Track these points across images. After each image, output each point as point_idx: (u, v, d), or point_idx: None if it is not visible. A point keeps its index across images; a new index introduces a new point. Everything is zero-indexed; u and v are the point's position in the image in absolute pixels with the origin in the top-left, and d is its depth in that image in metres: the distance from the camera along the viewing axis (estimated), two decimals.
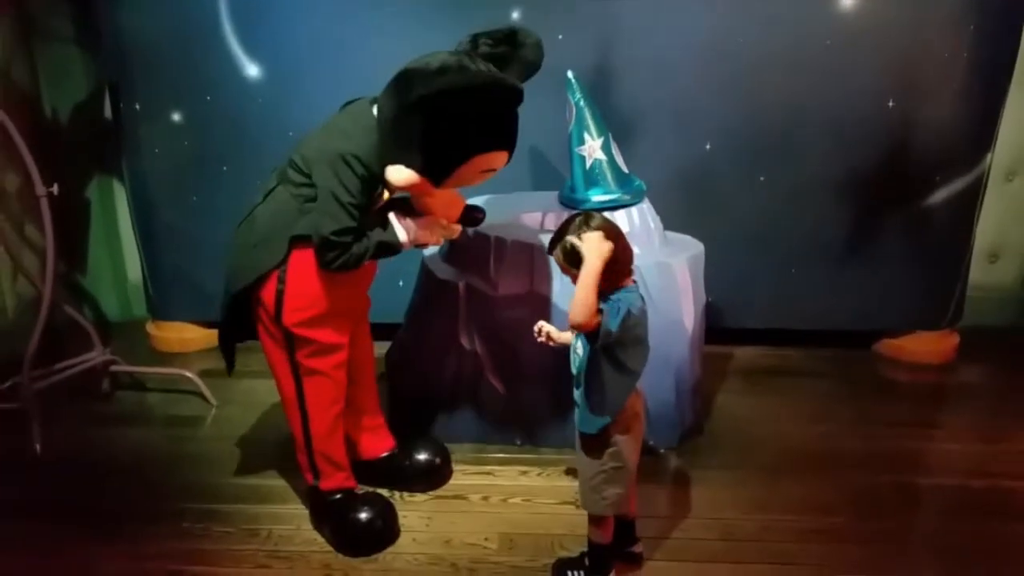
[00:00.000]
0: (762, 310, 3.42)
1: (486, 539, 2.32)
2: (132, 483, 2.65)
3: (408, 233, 2.17)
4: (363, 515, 2.28)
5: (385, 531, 2.31)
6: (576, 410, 2.00)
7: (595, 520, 2.07)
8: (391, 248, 2.15)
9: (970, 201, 3.27)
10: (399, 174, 2.04)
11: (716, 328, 3.12)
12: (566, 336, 2.05)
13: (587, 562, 2.12)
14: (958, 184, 3.21)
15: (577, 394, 1.99)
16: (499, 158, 2.07)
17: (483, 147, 2.03)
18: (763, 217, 3.26)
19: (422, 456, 2.56)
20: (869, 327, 3.51)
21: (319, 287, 2.13)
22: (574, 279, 1.85)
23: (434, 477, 2.58)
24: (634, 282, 1.94)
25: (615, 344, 1.84)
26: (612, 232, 1.86)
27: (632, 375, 1.91)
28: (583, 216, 1.91)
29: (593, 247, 1.83)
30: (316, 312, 2.15)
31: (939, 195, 3.22)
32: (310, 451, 2.30)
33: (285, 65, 3.19)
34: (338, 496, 2.33)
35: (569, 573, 2.14)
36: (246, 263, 2.18)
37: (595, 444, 1.98)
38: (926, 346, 3.46)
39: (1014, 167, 3.56)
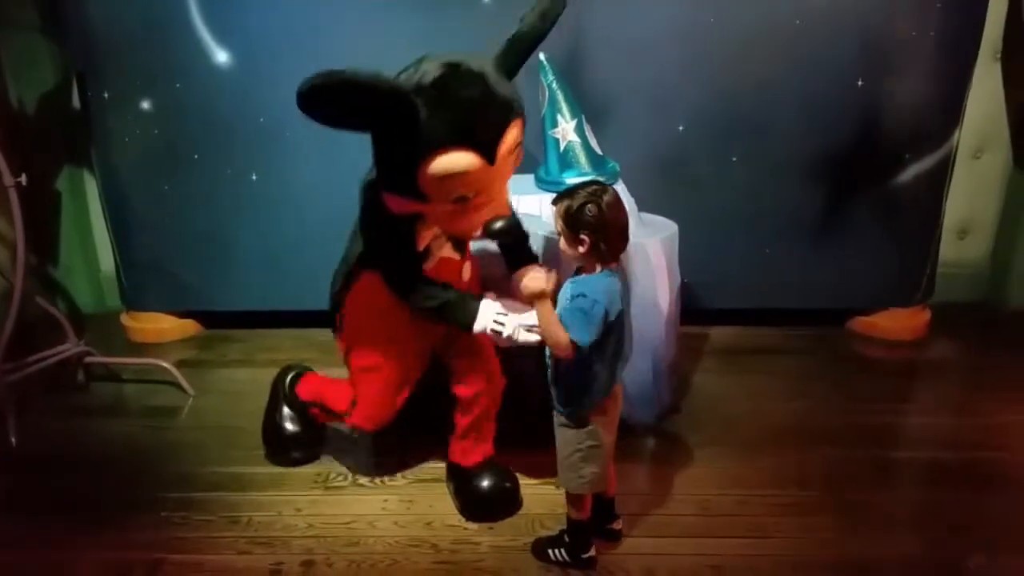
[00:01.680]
0: (737, 290, 3.45)
1: (467, 520, 2.34)
2: (110, 474, 2.64)
3: (495, 324, 2.07)
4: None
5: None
6: (553, 390, 2.02)
7: (572, 498, 2.10)
8: (458, 321, 2.12)
9: (939, 178, 3.32)
10: (388, 199, 2.02)
11: (692, 309, 3.14)
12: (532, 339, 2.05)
13: (567, 539, 2.15)
14: (927, 162, 3.25)
15: (551, 378, 2.02)
16: (458, 159, 1.88)
17: (424, 151, 1.88)
18: (736, 197, 3.29)
19: (486, 483, 2.43)
20: (842, 305, 3.55)
21: (370, 316, 2.25)
22: (559, 237, 1.91)
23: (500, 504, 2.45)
24: (617, 264, 1.95)
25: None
26: (615, 212, 1.88)
27: (608, 366, 1.95)
28: (598, 187, 1.90)
29: (534, 287, 1.90)
30: (364, 339, 2.30)
31: (908, 173, 3.26)
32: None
33: (255, 51, 3.16)
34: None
35: (550, 552, 2.16)
36: (334, 277, 2.34)
37: (572, 424, 2.00)
38: (898, 323, 3.51)
39: (981, 144, 3.61)
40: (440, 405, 2.48)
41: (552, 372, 2.00)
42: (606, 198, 1.88)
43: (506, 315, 2.08)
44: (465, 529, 2.31)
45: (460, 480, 2.44)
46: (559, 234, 1.94)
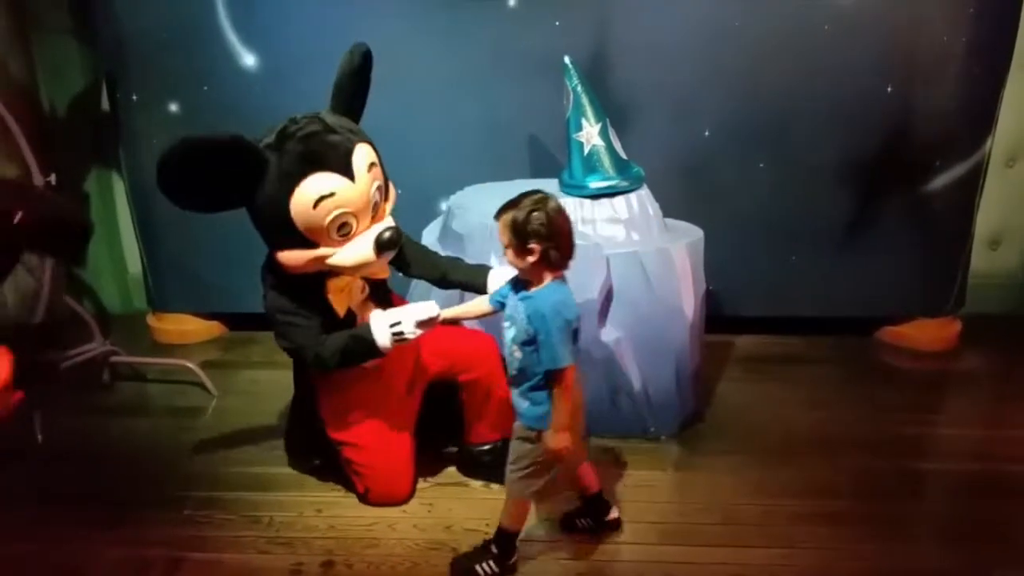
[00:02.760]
0: (762, 298, 3.42)
1: (487, 524, 2.31)
2: (134, 472, 2.66)
3: (394, 331, 2.14)
4: None
5: None
6: (521, 404, 1.98)
7: (515, 508, 2.08)
8: (365, 354, 2.19)
9: (970, 187, 3.26)
10: (283, 259, 2.15)
11: (716, 316, 3.12)
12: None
13: (494, 549, 2.11)
14: (958, 170, 3.21)
15: (515, 392, 1.99)
16: (319, 181, 2.05)
17: (286, 188, 2.05)
18: (763, 204, 3.26)
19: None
20: (870, 314, 3.51)
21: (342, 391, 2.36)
22: (507, 250, 1.88)
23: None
24: (562, 276, 1.92)
25: None
26: (562, 219, 1.86)
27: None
28: (541, 196, 1.88)
29: (559, 442, 1.92)
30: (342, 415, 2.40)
31: (939, 181, 3.21)
32: None
33: (281, 54, 3.19)
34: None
35: (478, 568, 2.10)
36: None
37: (533, 436, 1.98)
38: (928, 333, 3.46)
39: (1014, 152, 3.55)
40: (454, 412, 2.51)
41: (521, 386, 1.96)
42: (551, 205, 1.86)
43: (398, 321, 2.14)
44: (485, 534, 2.28)
45: (479, 453, 2.48)
46: (505, 247, 1.90)
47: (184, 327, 3.66)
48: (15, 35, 3.49)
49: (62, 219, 1.04)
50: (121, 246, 3.92)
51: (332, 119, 2.16)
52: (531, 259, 1.86)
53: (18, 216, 0.94)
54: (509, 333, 1.95)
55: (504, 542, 2.11)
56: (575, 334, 1.90)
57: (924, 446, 2.76)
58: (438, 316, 2.15)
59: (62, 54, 3.59)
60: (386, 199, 2.26)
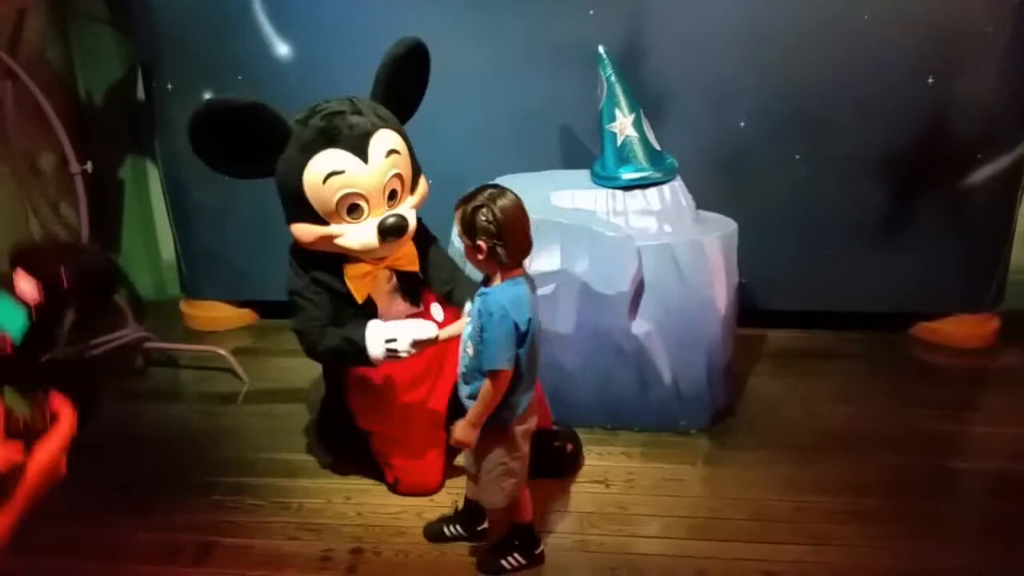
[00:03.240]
0: (796, 291, 3.37)
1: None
2: (165, 457, 2.69)
3: (388, 348, 2.13)
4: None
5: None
6: (467, 402, 1.95)
7: (510, 505, 2.06)
8: (356, 361, 2.20)
9: (1012, 180, 3.19)
10: (295, 232, 2.21)
11: (749, 310, 3.08)
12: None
13: (517, 542, 2.10)
14: (1000, 163, 3.13)
15: (465, 391, 1.95)
16: (332, 157, 2.10)
17: (302, 159, 2.11)
18: (798, 196, 3.21)
19: (554, 443, 2.49)
20: (906, 310, 3.44)
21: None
22: (464, 247, 1.85)
23: (565, 464, 2.52)
24: (523, 273, 1.88)
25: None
26: (512, 216, 1.80)
27: (527, 376, 1.90)
28: (493, 192, 1.83)
29: (464, 435, 1.90)
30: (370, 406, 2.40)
31: (980, 174, 3.14)
32: None
33: (316, 44, 3.19)
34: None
35: (504, 562, 2.09)
36: None
37: (494, 439, 1.95)
38: (965, 329, 3.39)
39: None
40: None
41: (471, 385, 1.93)
42: (501, 202, 1.80)
43: (395, 338, 2.12)
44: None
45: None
46: (463, 245, 1.87)
47: (216, 314, 3.69)
48: (54, 24, 3.54)
49: (97, 272, 1.05)
50: (155, 233, 3.96)
51: (363, 103, 2.20)
52: (479, 256, 1.83)
53: (65, 280, 0.96)
54: (466, 330, 1.93)
55: (522, 535, 2.10)
56: (523, 339, 1.83)
57: (958, 444, 2.72)
58: (436, 338, 2.13)
59: (99, 43, 3.63)
60: (412, 191, 2.26)
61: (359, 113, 2.15)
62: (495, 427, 1.93)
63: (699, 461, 2.60)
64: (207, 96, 3.28)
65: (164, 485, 2.52)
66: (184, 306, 3.76)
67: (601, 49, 2.64)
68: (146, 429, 2.88)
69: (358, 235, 2.17)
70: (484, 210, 1.79)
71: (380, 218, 2.16)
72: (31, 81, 2.78)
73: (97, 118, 3.69)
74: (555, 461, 2.49)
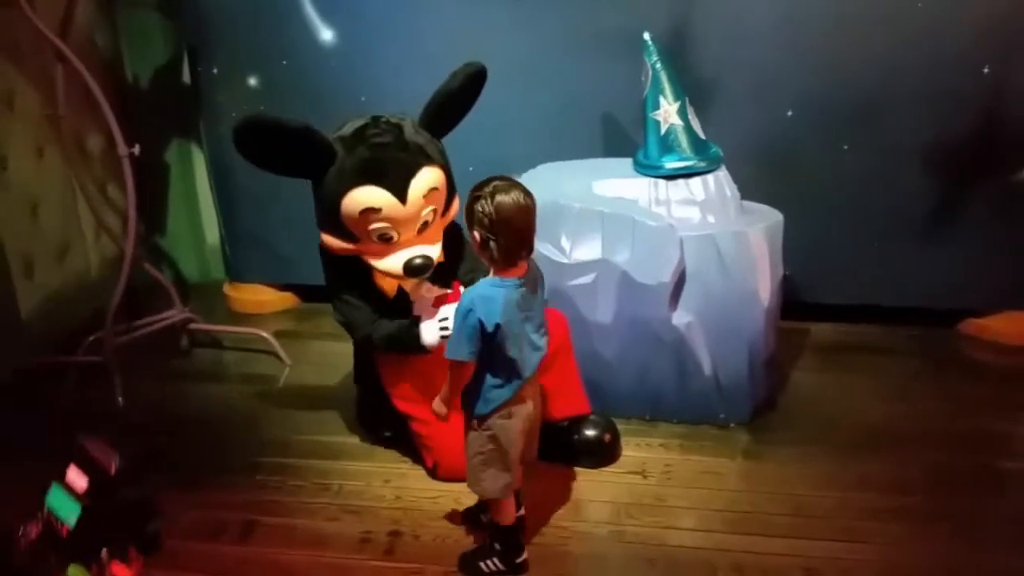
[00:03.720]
0: (841, 285, 3.32)
1: (555, 508, 2.32)
2: (209, 436, 2.74)
3: (443, 332, 2.17)
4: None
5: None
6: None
7: (493, 504, 2.04)
8: (408, 347, 2.25)
9: None
10: (324, 240, 2.27)
11: (793, 302, 3.04)
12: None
13: (497, 547, 2.07)
14: None
15: None
16: (370, 194, 2.13)
17: (342, 188, 2.15)
18: (846, 188, 3.15)
19: (591, 432, 2.50)
20: (954, 305, 3.37)
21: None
22: (471, 237, 1.85)
23: (602, 454, 2.52)
24: (520, 275, 1.86)
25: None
26: (511, 212, 1.77)
27: (503, 374, 1.89)
28: (500, 184, 1.81)
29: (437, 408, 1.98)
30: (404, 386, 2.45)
31: None
32: None
33: (360, 30, 3.20)
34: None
35: (482, 565, 2.06)
36: None
37: (471, 427, 1.97)
38: (1014, 326, 3.30)
39: None
40: None
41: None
42: (500, 197, 1.77)
43: (447, 317, 2.16)
44: (550, 513, 2.29)
45: (558, 433, 2.44)
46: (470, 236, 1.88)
47: (259, 297, 3.74)
48: (102, 8, 3.59)
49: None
50: (200, 216, 4.01)
51: (411, 133, 2.21)
52: (475, 246, 1.84)
53: (113, 467, 1.02)
54: None
55: (503, 538, 2.06)
56: (490, 338, 1.82)
57: (1004, 443, 2.65)
58: None
59: (146, 27, 3.68)
60: (444, 216, 2.29)
61: (405, 148, 2.17)
62: (471, 416, 1.95)
63: (738, 455, 2.58)
64: (252, 81, 3.32)
65: (208, 464, 2.56)
66: (228, 289, 3.81)
67: (647, 36, 2.61)
68: (190, 409, 2.94)
69: (385, 264, 2.23)
70: (482, 202, 1.79)
71: (407, 256, 2.21)
72: (81, 64, 2.83)
73: (144, 101, 3.75)
74: (592, 451, 2.49)
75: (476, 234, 1.81)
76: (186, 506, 2.34)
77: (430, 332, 2.20)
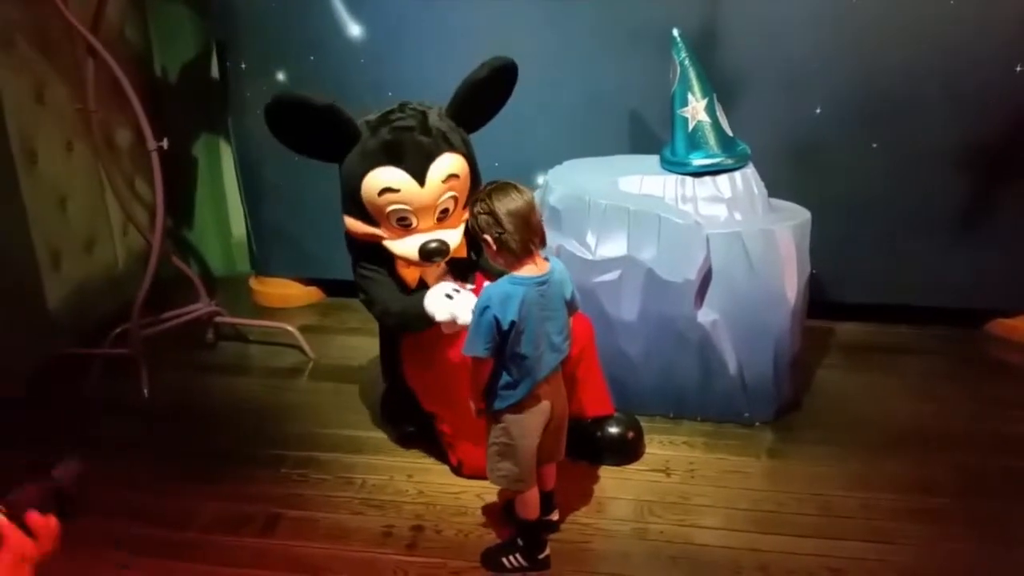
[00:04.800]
0: (868, 284, 3.28)
1: (579, 505, 2.32)
2: (233, 429, 2.76)
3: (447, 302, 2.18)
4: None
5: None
6: None
7: (520, 499, 2.05)
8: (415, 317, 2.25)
9: None
10: (347, 223, 2.31)
11: (819, 301, 3.02)
12: None
13: (520, 542, 2.07)
14: None
15: None
16: (390, 174, 2.17)
17: (364, 168, 2.20)
18: (874, 186, 3.11)
19: (614, 429, 2.49)
20: (982, 305, 3.33)
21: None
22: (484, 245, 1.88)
23: (626, 451, 2.52)
24: (540, 274, 1.87)
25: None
26: (508, 198, 1.82)
27: (517, 371, 1.89)
28: (493, 185, 1.86)
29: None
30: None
31: None
32: None
33: (387, 25, 3.20)
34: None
35: (505, 560, 2.07)
36: None
37: (490, 419, 1.98)
38: None
39: None
40: None
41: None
42: (497, 194, 1.82)
43: (458, 291, 2.22)
44: (574, 510, 2.28)
45: (581, 431, 2.42)
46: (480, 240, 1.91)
47: (284, 291, 3.76)
48: (133, 3, 3.62)
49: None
50: (226, 211, 4.03)
51: (435, 119, 2.25)
52: (493, 251, 1.86)
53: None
54: None
55: (527, 534, 2.07)
56: (506, 335, 1.83)
57: None
58: None
59: (176, 22, 3.70)
60: (465, 207, 2.29)
61: (427, 132, 2.21)
62: (488, 410, 1.97)
63: (763, 454, 2.56)
64: (280, 76, 3.34)
65: (232, 456, 2.58)
66: (253, 282, 3.84)
67: (675, 32, 2.60)
68: (216, 401, 2.96)
69: (401, 246, 2.26)
70: (481, 203, 1.84)
71: (423, 239, 2.22)
72: (111, 58, 2.85)
73: (173, 96, 3.77)
74: (616, 448, 2.48)
75: (487, 237, 1.84)
76: (209, 498, 2.36)
77: (433, 301, 2.20)
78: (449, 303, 2.18)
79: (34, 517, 1.02)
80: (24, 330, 2.99)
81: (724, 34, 3.01)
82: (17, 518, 1.01)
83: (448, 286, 2.24)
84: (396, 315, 2.31)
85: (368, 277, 2.34)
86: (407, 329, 2.34)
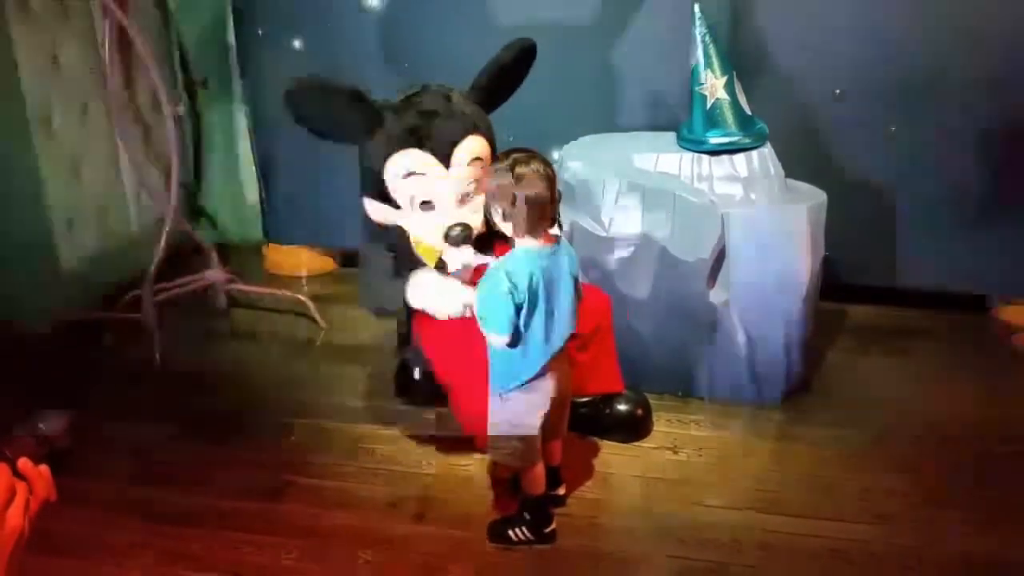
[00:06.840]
0: (883, 267, 3.25)
1: (586, 481, 2.33)
2: (244, 396, 2.78)
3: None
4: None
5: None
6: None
7: (525, 474, 2.05)
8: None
9: None
10: (366, 205, 2.31)
11: (831, 283, 2.99)
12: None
13: (527, 516, 2.07)
14: None
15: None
16: (414, 157, 2.17)
17: (387, 151, 2.18)
18: (891, 169, 3.08)
19: (623, 406, 2.50)
20: (998, 291, 3.30)
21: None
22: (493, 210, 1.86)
23: (634, 428, 2.52)
24: (554, 240, 1.86)
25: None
26: (531, 179, 1.77)
27: (531, 346, 1.87)
28: (523, 154, 1.81)
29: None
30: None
31: None
32: None
33: None
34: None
35: (511, 533, 2.07)
36: None
37: (498, 396, 1.96)
38: None
39: None
40: None
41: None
42: (521, 168, 1.77)
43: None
44: (583, 488, 2.29)
45: (576, 404, 2.40)
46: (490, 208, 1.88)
47: (297, 259, 3.76)
48: None
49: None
50: (239, 177, 4.03)
51: (459, 102, 2.24)
52: (499, 218, 1.84)
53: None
54: None
55: (532, 508, 2.08)
56: (518, 308, 1.81)
57: None
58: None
59: None
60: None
61: (452, 116, 2.20)
62: (495, 386, 1.95)
63: (770, 434, 2.57)
64: (296, 43, 3.32)
65: (242, 424, 2.61)
66: (266, 250, 3.84)
67: (696, 7, 2.56)
68: (227, 368, 2.98)
69: (423, 230, 2.25)
70: (503, 174, 1.79)
71: (447, 225, 2.20)
72: (128, 22, 2.84)
73: (189, 61, 3.76)
74: (623, 425, 2.49)
75: (499, 207, 1.81)
76: (218, 464, 2.38)
77: (417, 294, 2.21)
78: (431, 295, 2.19)
79: (27, 464, 1.03)
80: (38, 293, 3.01)
81: (746, 11, 2.96)
82: (11, 463, 1.01)
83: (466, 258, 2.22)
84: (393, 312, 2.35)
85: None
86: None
